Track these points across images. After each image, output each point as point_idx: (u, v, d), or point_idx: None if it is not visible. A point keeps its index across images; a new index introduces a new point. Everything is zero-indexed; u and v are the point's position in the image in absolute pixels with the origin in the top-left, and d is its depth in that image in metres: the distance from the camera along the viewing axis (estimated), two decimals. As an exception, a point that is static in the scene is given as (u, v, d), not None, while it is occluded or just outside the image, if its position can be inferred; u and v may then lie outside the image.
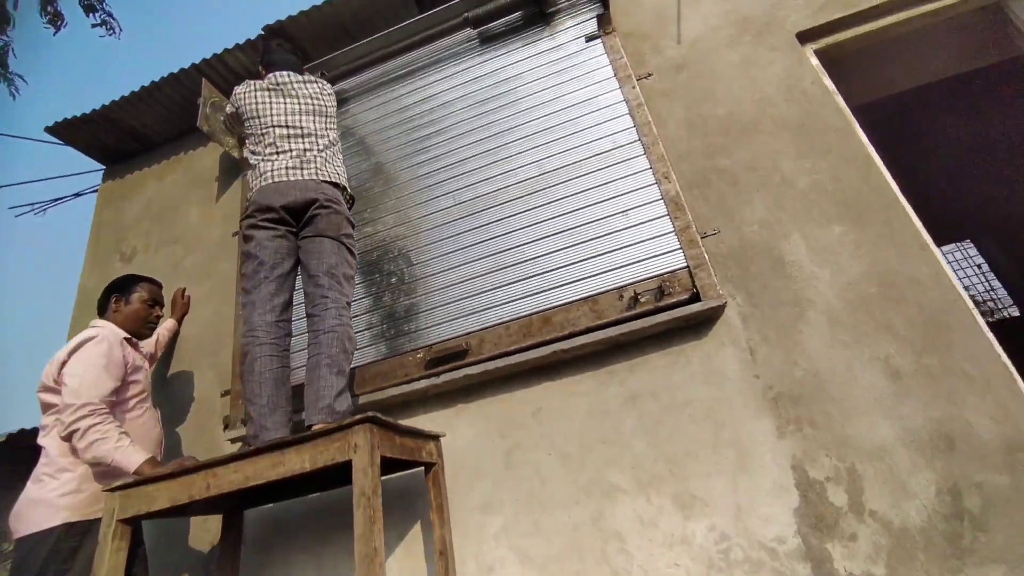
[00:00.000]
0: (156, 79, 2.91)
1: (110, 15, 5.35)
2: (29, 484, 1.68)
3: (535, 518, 1.75)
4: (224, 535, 1.84)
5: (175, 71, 2.88)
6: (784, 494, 1.58)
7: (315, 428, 1.44)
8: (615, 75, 2.33)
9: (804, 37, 2.22)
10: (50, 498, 1.58)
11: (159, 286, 2.11)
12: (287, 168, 1.92)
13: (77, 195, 3.44)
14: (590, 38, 2.45)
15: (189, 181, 3.07)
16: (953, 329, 1.63)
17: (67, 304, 3.01)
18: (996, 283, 5.19)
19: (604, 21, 2.45)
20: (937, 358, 1.61)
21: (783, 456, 1.61)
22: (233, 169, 2.95)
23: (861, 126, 2.03)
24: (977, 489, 1.46)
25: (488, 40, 2.64)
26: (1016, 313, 5.34)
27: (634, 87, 2.26)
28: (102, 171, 3.40)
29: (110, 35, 5.50)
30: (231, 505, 1.87)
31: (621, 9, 2.51)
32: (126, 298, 1.95)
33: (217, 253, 2.74)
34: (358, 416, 1.31)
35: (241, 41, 2.83)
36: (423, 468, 1.76)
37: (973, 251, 5.62)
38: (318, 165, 1.97)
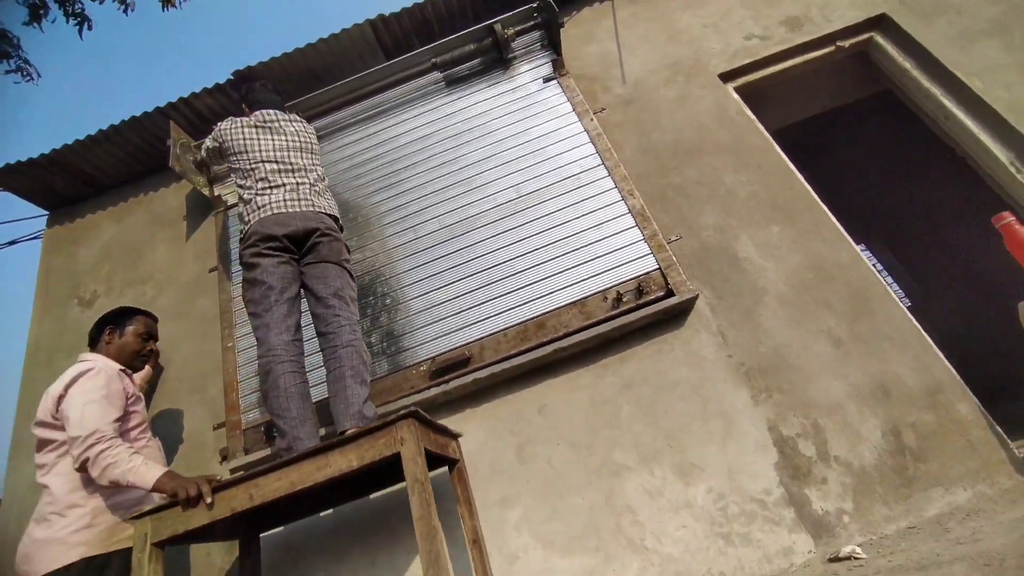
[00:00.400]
0: (116, 123, 2.87)
1: (26, 61, 5.16)
2: (33, 526, 1.59)
3: (552, 505, 1.88)
4: (243, 562, 1.79)
5: (137, 115, 2.86)
6: (765, 452, 1.83)
7: (350, 432, 1.51)
8: (574, 110, 2.66)
9: (725, 77, 2.68)
10: (62, 536, 1.51)
11: (154, 320, 2.07)
12: (285, 200, 2.00)
13: (11, 243, 3.21)
14: (547, 79, 2.78)
15: (151, 221, 3.00)
16: (874, 300, 2.02)
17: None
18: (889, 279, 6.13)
19: (558, 65, 2.80)
20: (866, 325, 1.98)
21: (760, 420, 1.88)
22: (202, 208, 2.94)
23: (779, 146, 2.47)
24: (912, 428, 1.80)
25: (453, 82, 2.90)
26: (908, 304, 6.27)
27: (592, 119, 2.59)
28: (44, 217, 3.22)
29: (27, 81, 5.27)
30: (247, 529, 1.83)
31: (571, 55, 2.87)
32: (120, 330, 1.91)
33: (193, 291, 2.69)
34: (401, 412, 1.42)
35: (209, 85, 2.89)
36: (447, 467, 1.84)
37: (867, 253, 6.59)
38: (313, 198, 2.07)
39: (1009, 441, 1.74)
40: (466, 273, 2.35)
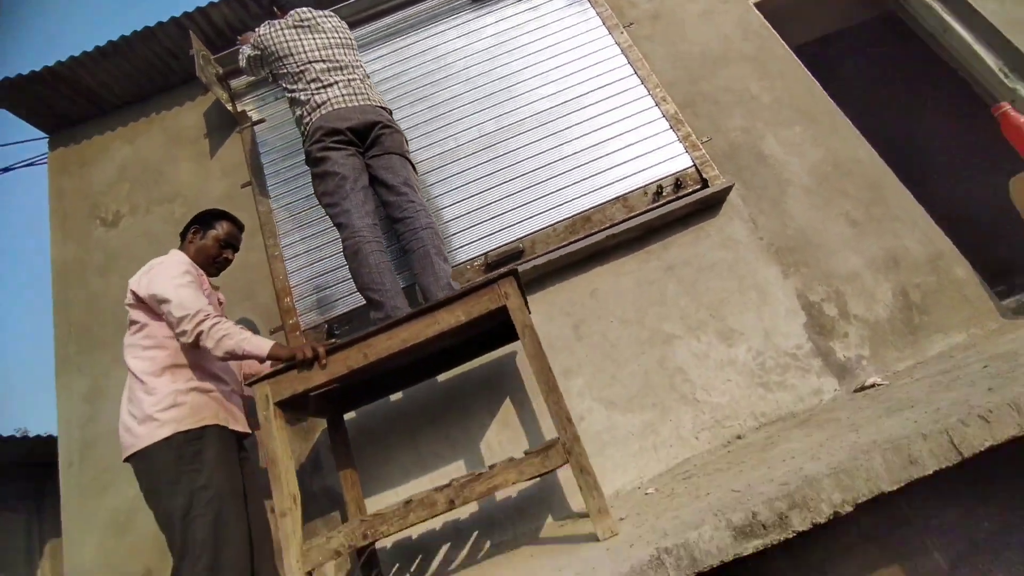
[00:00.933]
0: (126, 35, 2.74)
1: None
2: (125, 403, 1.64)
3: (610, 372, 2.09)
4: (333, 437, 1.93)
5: (150, 25, 2.73)
6: (795, 316, 2.09)
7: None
8: (603, 24, 2.74)
9: (745, -9, 2.81)
10: (152, 412, 1.55)
11: (240, 228, 2.01)
12: (343, 95, 2.03)
13: (6, 169, 3.05)
14: (574, -7, 2.83)
15: (169, 140, 2.92)
16: (886, 189, 2.28)
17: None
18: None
19: (585, -23, 2.84)
20: (879, 209, 2.24)
21: (790, 290, 2.13)
22: (225, 124, 2.87)
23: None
24: (917, 288, 2.09)
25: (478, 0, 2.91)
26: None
27: (622, 32, 2.69)
28: (43, 140, 3.07)
29: None
30: (333, 409, 1.96)
31: (596, -31, 2.91)
32: (203, 232, 1.90)
33: (226, 206, 2.63)
34: (502, 270, 1.56)
35: (223, -6, 2.78)
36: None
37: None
38: (368, 91, 2.11)
39: (994, 294, 2.06)
40: (511, 176, 2.46)
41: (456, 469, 2.04)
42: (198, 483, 1.50)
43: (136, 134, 2.97)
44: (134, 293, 1.70)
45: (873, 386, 1.81)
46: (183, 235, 1.92)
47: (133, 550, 2.14)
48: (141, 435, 1.56)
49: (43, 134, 3.05)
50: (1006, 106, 2.13)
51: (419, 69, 2.77)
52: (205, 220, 1.91)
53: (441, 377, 2.16)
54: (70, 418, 2.38)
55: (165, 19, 2.77)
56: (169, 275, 1.65)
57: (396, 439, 2.12)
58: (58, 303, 2.61)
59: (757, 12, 2.77)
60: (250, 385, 1.58)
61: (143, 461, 1.56)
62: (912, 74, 3.54)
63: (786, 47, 2.64)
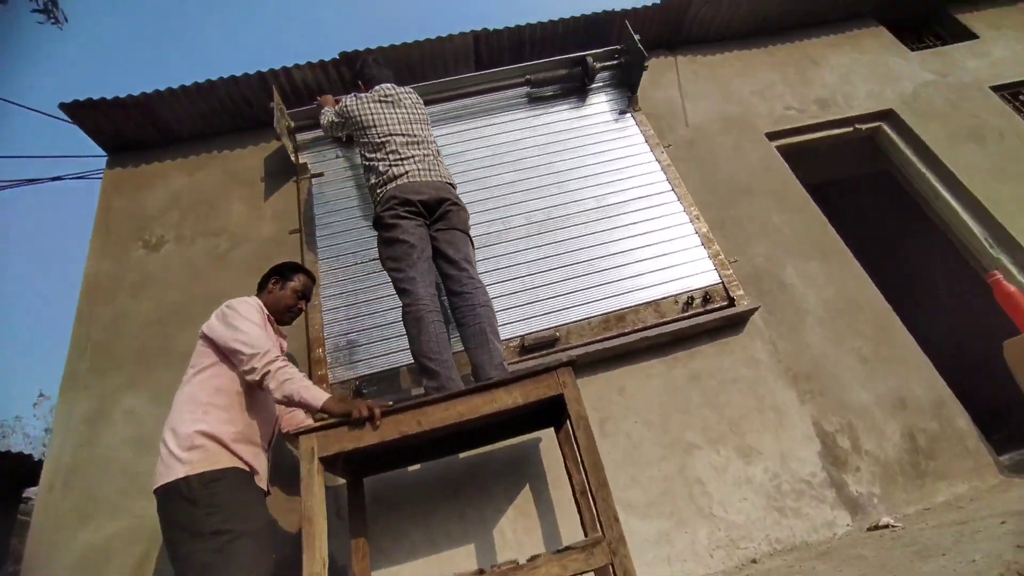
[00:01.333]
0: (212, 79, 2.95)
1: (54, 2, 5.10)
2: (162, 435, 1.60)
3: (631, 473, 2.12)
4: (352, 500, 1.88)
5: (236, 75, 2.96)
6: (810, 443, 2.19)
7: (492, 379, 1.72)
8: (646, 141, 3.06)
9: (770, 136, 3.19)
10: (176, 450, 1.52)
11: (313, 281, 2.09)
12: (418, 170, 2.20)
13: (81, 177, 3.12)
14: (623, 112, 3.18)
15: (227, 177, 3.05)
16: (893, 331, 2.48)
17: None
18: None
19: (633, 102, 3.21)
20: (887, 349, 2.43)
21: (806, 416, 2.25)
22: (282, 172, 3.03)
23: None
24: (923, 432, 2.22)
25: (538, 100, 3.23)
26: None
27: (662, 151, 3.00)
28: (98, 157, 3.17)
29: (52, 23, 5.15)
30: (355, 472, 1.93)
31: (642, 96, 3.28)
32: (283, 283, 1.97)
33: (271, 250, 2.76)
34: (563, 360, 1.65)
35: (308, 61, 3.04)
36: (553, 428, 2.04)
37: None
38: (439, 168, 2.29)
39: (994, 451, 2.20)
40: (553, 266, 2.61)
41: (467, 553, 1.99)
42: (214, 527, 1.45)
43: (196, 167, 3.10)
44: (204, 334, 1.73)
45: (887, 526, 1.88)
46: (262, 284, 1.98)
47: (100, 599, 1.97)
48: (164, 470, 1.53)
49: (102, 152, 3.16)
50: (998, 275, 2.40)
51: (477, 152, 3.01)
52: (284, 272, 1.99)
53: (462, 454, 2.16)
54: (64, 438, 2.28)
55: (251, 71, 3.00)
56: (244, 315, 1.70)
57: (409, 511, 2.07)
58: (81, 315, 2.58)
59: (778, 153, 3.13)
60: (294, 435, 1.58)
61: (163, 497, 1.51)
62: (911, 223, 3.92)
63: (803, 188, 2.96)
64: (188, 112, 3.07)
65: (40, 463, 4.75)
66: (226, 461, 1.57)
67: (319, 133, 3.05)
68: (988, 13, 3.88)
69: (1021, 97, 3.45)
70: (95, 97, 2.90)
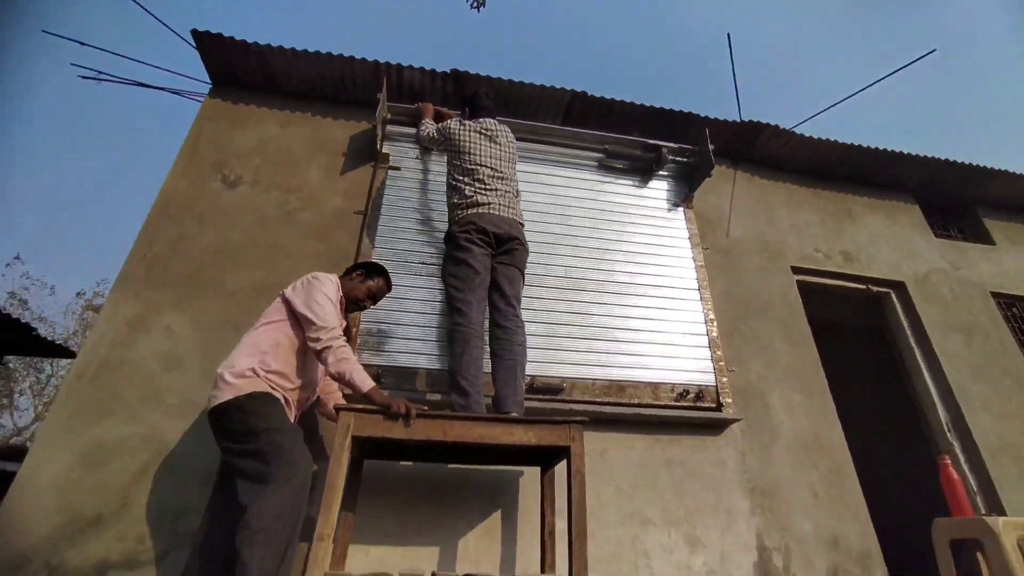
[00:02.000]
0: (332, 52, 3.19)
1: None
2: (225, 363, 1.86)
3: (590, 528, 2.33)
4: (350, 478, 2.08)
5: (356, 57, 3.20)
6: (750, 552, 2.46)
7: (512, 415, 1.97)
8: (688, 238, 3.36)
9: (794, 270, 3.52)
10: (240, 372, 1.79)
11: (389, 288, 2.33)
12: (500, 204, 2.45)
13: (176, 92, 3.31)
14: (677, 204, 3.49)
15: (314, 142, 3.27)
16: (845, 476, 2.78)
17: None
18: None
19: (688, 198, 3.52)
20: (836, 490, 2.72)
21: (753, 527, 2.52)
22: (363, 153, 3.25)
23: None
24: (847, 574, 2.51)
25: (606, 168, 3.52)
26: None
27: (700, 252, 3.30)
28: (206, 86, 3.37)
29: None
30: (362, 453, 2.14)
31: (697, 196, 3.60)
32: (365, 278, 2.20)
33: (334, 222, 2.98)
34: (579, 417, 1.90)
35: (421, 66, 3.30)
36: (540, 468, 2.28)
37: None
38: (516, 207, 2.55)
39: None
40: (576, 322, 2.88)
41: (430, 554, 2.20)
42: (264, 426, 1.71)
43: (289, 122, 3.32)
44: (284, 295, 1.96)
45: (792, 643, 2.14)
46: (349, 270, 2.21)
47: (95, 489, 2.14)
48: (220, 393, 1.76)
49: (207, 80, 3.37)
50: (948, 460, 2.71)
51: (540, 196, 3.27)
52: (371, 270, 2.24)
53: (451, 465, 2.38)
54: (104, 333, 2.45)
55: (369, 58, 3.24)
56: (324, 291, 1.93)
57: (390, 501, 2.27)
58: (149, 225, 2.76)
59: (796, 287, 3.46)
60: (336, 409, 1.80)
61: (219, 414, 1.76)
62: (889, 384, 4.26)
63: (808, 326, 3.28)
64: (300, 72, 3.30)
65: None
66: (269, 389, 1.82)
67: (406, 129, 3.30)
68: (1009, 226, 4.31)
69: (1013, 309, 3.85)
70: (212, 31, 3.11)
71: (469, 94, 2.93)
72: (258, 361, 1.84)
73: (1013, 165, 4.11)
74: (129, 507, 2.12)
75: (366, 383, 1.81)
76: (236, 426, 1.72)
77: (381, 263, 2.83)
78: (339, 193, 3.11)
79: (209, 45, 3.14)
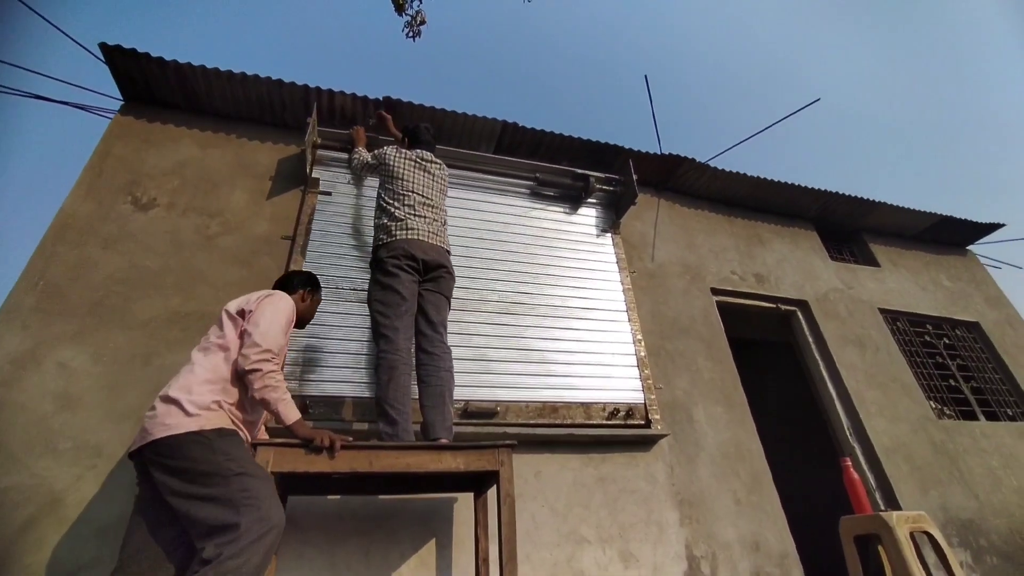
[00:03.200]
0: (260, 74, 3.12)
1: None
2: (170, 390, 1.60)
3: (527, 551, 2.36)
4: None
5: (284, 80, 3.15)
6: (680, 562, 2.55)
7: (441, 441, 1.96)
8: (616, 262, 3.53)
9: (714, 291, 3.79)
10: (195, 407, 1.56)
11: None
12: (428, 232, 2.48)
13: (80, 107, 3.07)
14: (605, 230, 3.67)
15: (238, 165, 3.15)
16: (763, 483, 2.97)
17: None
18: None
19: (615, 225, 3.72)
20: (756, 497, 2.89)
21: (682, 537, 2.62)
22: (291, 178, 3.17)
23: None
24: (767, 575, 2.65)
25: (537, 196, 3.65)
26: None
27: (627, 276, 3.47)
28: (118, 102, 3.18)
29: None
30: (284, 489, 2.02)
31: (624, 222, 3.80)
32: (312, 296, 2.11)
33: (259, 247, 2.87)
34: (506, 441, 1.92)
35: (353, 92, 3.30)
36: (473, 493, 2.26)
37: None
38: (444, 235, 2.58)
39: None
40: (508, 345, 2.91)
41: (361, 591, 2.10)
42: (236, 470, 1.50)
43: (210, 143, 3.19)
44: (241, 310, 1.80)
45: (720, 649, 2.22)
46: (290, 285, 2.07)
47: (-35, 549, 1.87)
48: (174, 422, 1.53)
49: (118, 96, 3.18)
50: (849, 462, 2.97)
51: (471, 222, 3.33)
52: (315, 284, 2.14)
53: (382, 495, 2.31)
54: (-14, 370, 2.19)
55: (299, 82, 3.20)
56: (281, 312, 1.81)
57: (317, 539, 2.16)
58: (42, 250, 2.52)
59: (716, 307, 3.71)
60: (255, 447, 1.70)
61: (171, 445, 1.50)
62: (800, 393, 4.62)
63: (727, 343, 3.52)
64: (224, 92, 3.19)
65: None
66: (234, 427, 1.65)
67: (337, 154, 3.27)
68: (891, 250, 4.89)
69: (898, 323, 4.34)
70: (126, 45, 2.95)
71: (411, 126, 2.95)
72: (220, 391, 1.66)
73: (893, 197, 4.70)
74: (9, 568, 1.86)
75: (292, 415, 1.72)
76: (199, 465, 1.48)
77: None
78: (265, 218, 3.00)
79: (121, 60, 2.97)
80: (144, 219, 2.78)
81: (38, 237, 2.57)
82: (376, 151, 2.76)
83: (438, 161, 2.82)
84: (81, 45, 2.94)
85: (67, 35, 2.94)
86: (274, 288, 2.06)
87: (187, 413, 1.55)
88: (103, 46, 2.92)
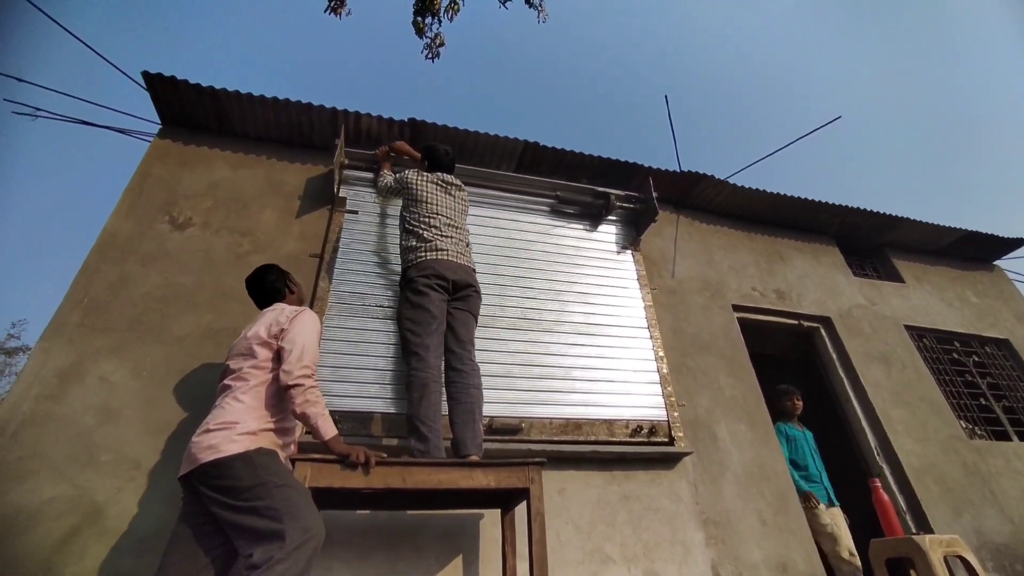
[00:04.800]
0: (290, 98, 3.24)
1: None
2: (213, 418, 1.68)
3: (551, 568, 2.35)
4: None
5: (314, 104, 3.26)
6: (705, 583, 2.52)
7: (472, 458, 1.99)
8: (637, 279, 3.55)
9: (735, 308, 3.77)
10: (240, 431, 1.64)
11: None
12: (455, 252, 2.54)
13: (121, 131, 3.23)
14: (625, 247, 3.70)
15: (268, 185, 3.26)
16: (789, 502, 2.92)
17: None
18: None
19: (636, 242, 3.74)
20: (783, 518, 2.85)
21: (708, 558, 2.59)
22: (320, 197, 3.27)
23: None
24: (793, 599, 2.61)
25: (558, 214, 3.70)
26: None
27: (648, 292, 3.49)
28: (156, 126, 3.32)
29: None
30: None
31: (644, 239, 3.83)
32: (294, 284, 2.22)
33: (288, 265, 2.88)
34: (537, 459, 1.94)
35: (379, 114, 3.41)
36: (500, 510, 2.27)
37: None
38: (468, 256, 2.64)
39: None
40: (532, 362, 2.94)
41: (388, 607, 2.12)
42: (278, 482, 1.57)
43: (242, 164, 3.30)
44: (273, 332, 1.86)
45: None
46: (279, 289, 2.14)
47: (11, 562, 1.93)
48: (224, 445, 1.60)
49: (156, 121, 3.32)
50: (878, 483, 2.93)
51: (494, 240, 3.38)
52: (287, 273, 2.23)
53: (410, 511, 2.33)
54: (30, 385, 2.28)
55: (327, 105, 3.31)
56: (313, 327, 1.90)
57: (344, 554, 2.18)
58: (87, 267, 2.63)
59: (737, 324, 3.70)
60: (293, 463, 1.75)
61: (219, 466, 1.57)
62: (822, 411, 4.55)
63: (749, 360, 3.50)
64: (254, 116, 3.31)
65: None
66: (274, 448, 1.71)
67: (364, 174, 3.37)
68: (915, 266, 4.83)
69: (924, 340, 4.27)
70: (166, 73, 3.10)
71: (430, 148, 3.03)
72: (262, 417, 1.73)
73: (917, 213, 4.64)
74: (50, 578, 1.93)
75: (329, 431, 1.77)
76: (243, 481, 1.55)
77: (337, 305, 2.85)
78: (294, 236, 3.09)
79: (161, 87, 3.11)
80: (180, 238, 2.89)
81: (83, 255, 2.68)
82: (398, 175, 2.84)
83: (458, 183, 2.89)
84: (125, 74, 3.10)
85: (113, 64, 3.11)
86: (248, 287, 2.17)
87: (232, 439, 1.62)
88: (145, 74, 3.07)
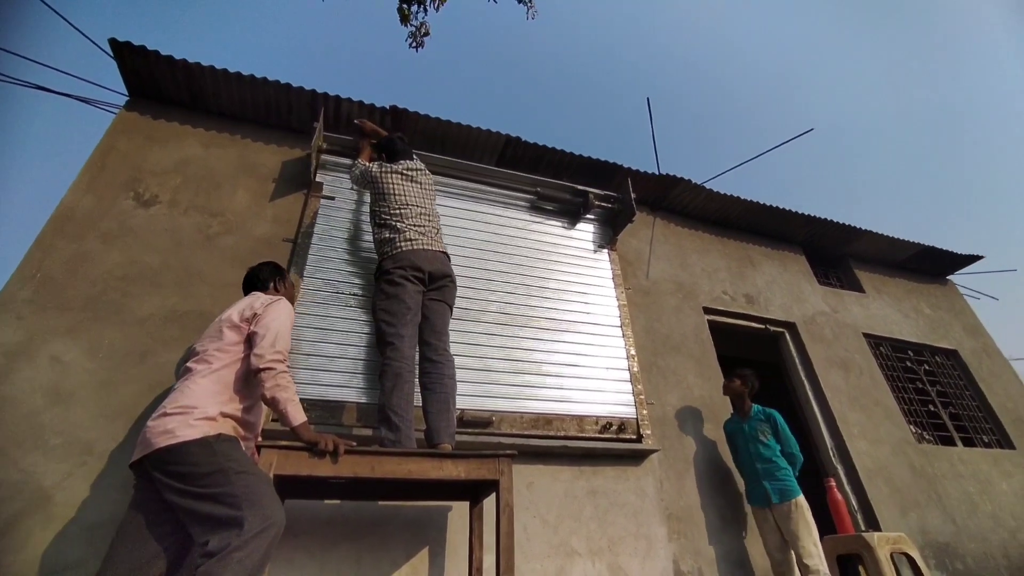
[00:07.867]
0: (268, 77, 3.14)
1: None
2: (173, 401, 1.62)
3: (517, 562, 2.36)
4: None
5: (293, 84, 3.17)
6: (667, 577, 2.57)
7: (444, 447, 1.98)
8: (612, 278, 3.59)
9: (705, 310, 3.86)
10: (199, 416, 1.58)
11: None
12: (429, 241, 2.52)
13: (84, 100, 3.06)
14: (602, 246, 3.73)
15: (241, 165, 3.16)
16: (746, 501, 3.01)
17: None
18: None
19: (612, 241, 3.78)
20: (740, 513, 2.94)
21: (670, 552, 2.65)
22: (296, 181, 3.19)
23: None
24: (750, 593, 2.69)
25: (537, 209, 3.71)
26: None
27: (623, 291, 3.53)
28: (123, 98, 3.17)
29: None
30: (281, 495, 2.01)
31: (620, 239, 3.87)
32: (284, 284, 2.13)
33: (260, 248, 2.86)
34: (508, 451, 1.94)
35: (360, 100, 3.34)
36: (469, 502, 2.26)
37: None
38: (441, 241, 2.62)
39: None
40: (505, 356, 2.94)
41: (351, 598, 2.09)
42: (237, 469, 1.52)
43: (214, 143, 3.19)
44: (245, 316, 1.81)
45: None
46: (263, 280, 2.09)
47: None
48: (182, 431, 1.55)
49: (123, 92, 3.17)
50: (833, 482, 3.05)
51: (473, 233, 3.37)
52: (282, 272, 2.17)
53: (379, 501, 2.30)
54: (-23, 363, 2.15)
55: (307, 86, 3.22)
56: (287, 316, 1.86)
57: (308, 544, 2.14)
58: (41, 242, 2.50)
59: (707, 325, 3.79)
60: (259, 449, 1.70)
61: (177, 451, 1.52)
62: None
63: (717, 362, 3.59)
64: (229, 93, 3.20)
65: None
66: (235, 435, 1.67)
67: (342, 160, 3.30)
68: (875, 277, 5.04)
69: (880, 348, 4.47)
70: (135, 42, 2.95)
71: (384, 142, 2.98)
72: (226, 402, 1.68)
73: (878, 225, 4.84)
74: (-11, 567, 1.82)
75: (298, 417, 1.73)
76: (201, 467, 1.49)
77: (310, 292, 2.78)
78: (267, 219, 3.00)
79: (130, 57, 2.97)
80: (145, 215, 2.77)
81: (37, 230, 2.54)
82: (363, 169, 2.79)
83: (420, 166, 2.86)
84: (91, 40, 2.95)
85: (78, 29, 2.94)
86: (245, 283, 2.14)
87: (190, 424, 1.57)
88: (112, 42, 2.92)
